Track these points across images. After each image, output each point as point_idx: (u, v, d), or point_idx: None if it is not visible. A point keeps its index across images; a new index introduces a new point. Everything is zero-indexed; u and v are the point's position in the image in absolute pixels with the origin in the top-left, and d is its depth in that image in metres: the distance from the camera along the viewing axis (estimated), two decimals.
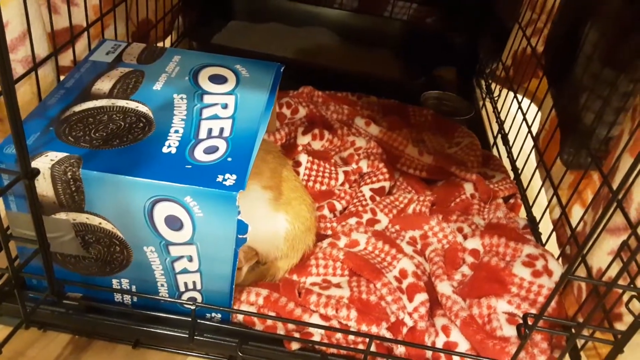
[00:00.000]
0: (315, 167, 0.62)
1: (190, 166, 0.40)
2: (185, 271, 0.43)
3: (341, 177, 0.62)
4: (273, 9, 1.02)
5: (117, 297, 0.45)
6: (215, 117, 0.46)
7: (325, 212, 0.59)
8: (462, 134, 0.74)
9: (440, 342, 0.46)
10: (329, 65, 0.85)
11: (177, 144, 0.42)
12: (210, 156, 0.42)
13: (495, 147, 0.79)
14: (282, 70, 0.54)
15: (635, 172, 0.40)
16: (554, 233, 0.58)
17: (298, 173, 0.61)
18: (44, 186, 0.38)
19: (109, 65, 0.50)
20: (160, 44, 0.82)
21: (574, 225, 0.53)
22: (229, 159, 0.42)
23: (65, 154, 0.39)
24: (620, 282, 0.40)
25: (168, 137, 0.43)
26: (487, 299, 0.48)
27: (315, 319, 0.46)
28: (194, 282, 0.44)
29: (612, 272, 0.44)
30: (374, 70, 0.90)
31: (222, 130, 0.45)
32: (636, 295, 0.39)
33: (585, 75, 0.59)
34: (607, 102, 0.51)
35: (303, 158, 0.62)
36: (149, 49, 0.54)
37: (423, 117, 0.77)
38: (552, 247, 0.58)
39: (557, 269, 0.51)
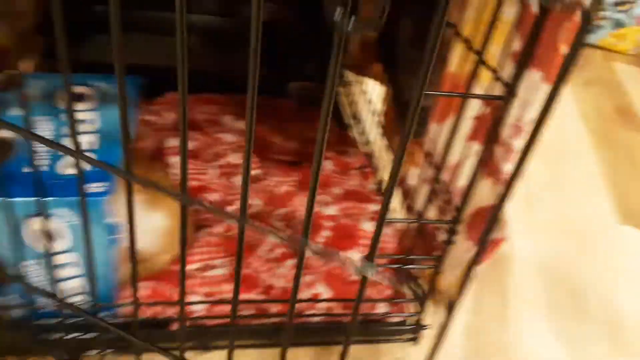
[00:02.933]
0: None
1: (58, 180, 0.44)
2: (70, 277, 0.48)
3: (213, 172, 0.69)
4: (134, 19, 1.04)
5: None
6: (81, 133, 0.50)
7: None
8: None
9: (307, 296, 0.55)
10: (195, 69, 0.90)
11: (46, 162, 0.46)
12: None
13: (351, 127, 0.90)
14: (141, 82, 0.59)
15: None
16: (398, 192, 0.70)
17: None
18: None
19: None
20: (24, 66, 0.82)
21: (408, 182, 0.64)
22: (97, 170, 0.46)
23: None
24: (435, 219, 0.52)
25: (35, 157, 0.46)
26: (343, 252, 0.58)
27: (199, 299, 0.52)
28: (80, 286, 0.49)
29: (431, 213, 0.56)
30: (239, 69, 0.97)
31: (90, 144, 0.49)
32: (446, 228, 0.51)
33: (403, 59, 0.72)
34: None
35: (173, 159, 0.67)
36: (7, 76, 0.56)
37: (287, 109, 0.86)
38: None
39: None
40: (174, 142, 0.69)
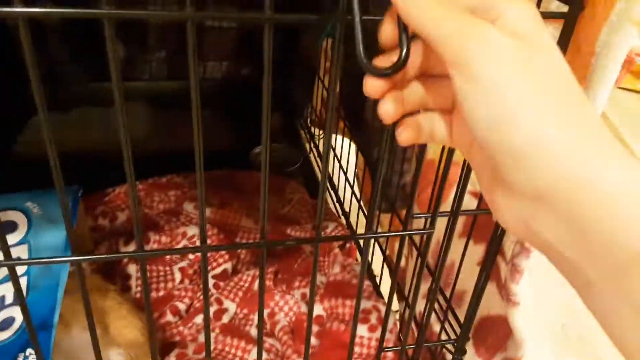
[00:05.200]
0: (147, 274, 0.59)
1: None
2: None
3: (178, 276, 0.61)
4: (79, 93, 0.95)
5: None
6: (4, 280, 0.42)
7: (169, 317, 0.57)
8: (292, 189, 0.78)
9: None
10: (147, 147, 0.82)
11: None
12: (5, 332, 0.38)
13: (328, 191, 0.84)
14: (80, 193, 0.51)
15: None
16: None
17: (129, 287, 0.58)
18: None
19: None
20: None
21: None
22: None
23: None
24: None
25: None
26: None
27: None
28: None
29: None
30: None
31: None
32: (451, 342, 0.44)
33: (373, 130, 0.66)
34: (393, 153, 0.58)
35: (132, 269, 0.59)
36: None
37: (252, 182, 0.78)
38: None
39: (390, 317, 0.55)
40: (131, 248, 0.61)
